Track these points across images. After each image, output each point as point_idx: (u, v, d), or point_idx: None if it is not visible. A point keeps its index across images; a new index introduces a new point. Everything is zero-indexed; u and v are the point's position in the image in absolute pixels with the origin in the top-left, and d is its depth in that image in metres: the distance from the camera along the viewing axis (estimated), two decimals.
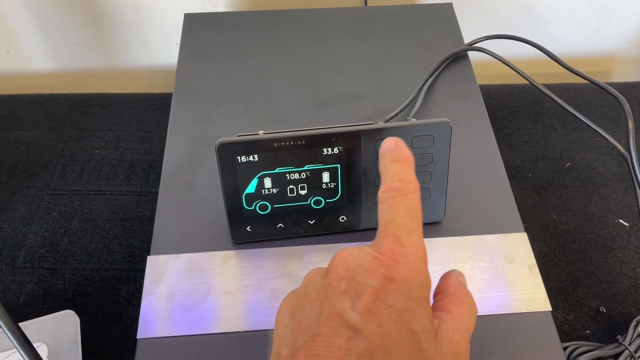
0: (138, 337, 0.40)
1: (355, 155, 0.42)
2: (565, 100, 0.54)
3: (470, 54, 0.61)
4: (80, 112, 0.78)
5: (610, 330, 0.55)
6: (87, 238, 0.64)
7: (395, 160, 0.34)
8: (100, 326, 0.57)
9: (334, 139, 0.41)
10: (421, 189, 0.44)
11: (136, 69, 0.88)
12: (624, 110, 0.47)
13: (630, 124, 0.46)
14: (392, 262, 0.28)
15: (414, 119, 0.45)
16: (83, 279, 0.60)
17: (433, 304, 0.31)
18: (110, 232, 0.64)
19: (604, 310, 0.57)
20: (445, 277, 0.33)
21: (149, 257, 0.45)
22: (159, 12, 0.81)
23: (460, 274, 0.33)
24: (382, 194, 0.32)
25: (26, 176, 0.70)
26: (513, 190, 0.49)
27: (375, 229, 0.45)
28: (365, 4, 0.80)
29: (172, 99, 0.56)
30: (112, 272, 0.61)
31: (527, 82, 0.57)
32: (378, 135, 0.41)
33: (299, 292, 0.31)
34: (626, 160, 0.49)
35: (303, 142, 0.41)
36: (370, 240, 0.44)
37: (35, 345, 0.54)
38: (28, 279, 0.60)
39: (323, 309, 0.28)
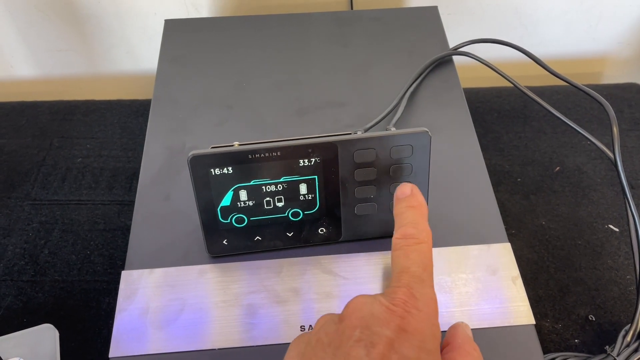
0: (110, 355, 0.39)
1: (332, 166, 0.41)
2: (554, 103, 0.52)
3: (458, 56, 0.60)
4: (63, 119, 0.77)
5: (599, 340, 0.54)
6: (67, 249, 0.63)
7: (410, 206, 0.35)
8: (79, 340, 0.56)
9: (310, 150, 0.40)
10: None
11: (119, 75, 0.87)
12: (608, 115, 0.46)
13: (615, 130, 0.45)
14: (405, 314, 0.29)
15: (394, 128, 0.44)
16: (63, 292, 0.59)
17: (441, 355, 0.32)
18: (91, 242, 0.63)
19: (593, 319, 0.56)
20: (452, 330, 0.33)
21: (123, 272, 0.44)
22: (141, 17, 0.80)
23: (467, 326, 0.34)
24: (396, 240, 0.33)
25: (6, 186, 0.69)
26: (501, 196, 0.48)
27: (354, 240, 0.45)
28: (351, 8, 0.79)
29: (151, 107, 0.55)
30: (92, 284, 0.60)
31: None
32: (355, 145, 0.40)
33: (310, 335, 0.31)
34: (615, 165, 0.48)
35: (278, 153, 0.40)
36: (352, 252, 0.44)
37: None
38: (7, 292, 0.59)
39: (337, 355, 0.28)
